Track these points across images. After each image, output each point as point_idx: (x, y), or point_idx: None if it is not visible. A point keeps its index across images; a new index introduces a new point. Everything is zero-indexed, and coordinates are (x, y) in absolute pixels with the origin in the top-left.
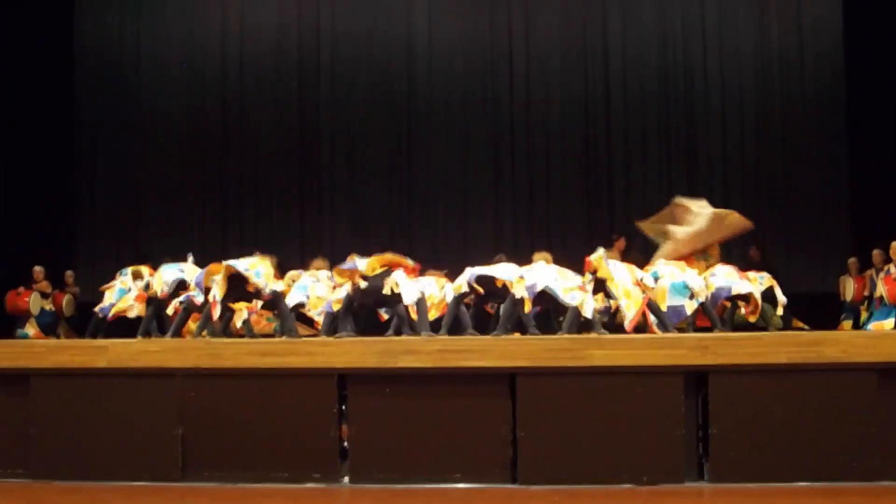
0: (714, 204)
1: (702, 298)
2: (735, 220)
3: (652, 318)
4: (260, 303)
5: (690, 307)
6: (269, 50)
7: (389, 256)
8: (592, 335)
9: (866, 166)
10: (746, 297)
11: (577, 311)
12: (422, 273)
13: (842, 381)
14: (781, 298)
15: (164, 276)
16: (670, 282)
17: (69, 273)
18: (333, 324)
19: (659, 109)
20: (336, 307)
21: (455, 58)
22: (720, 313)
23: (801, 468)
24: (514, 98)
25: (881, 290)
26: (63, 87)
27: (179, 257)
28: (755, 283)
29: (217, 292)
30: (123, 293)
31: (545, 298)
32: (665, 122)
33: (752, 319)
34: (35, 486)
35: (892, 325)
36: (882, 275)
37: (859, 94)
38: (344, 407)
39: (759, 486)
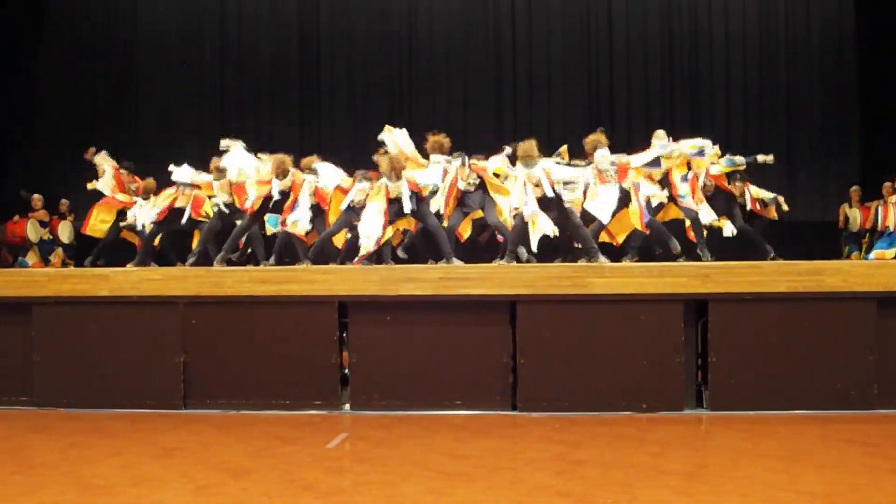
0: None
1: None
2: None
3: None
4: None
5: None
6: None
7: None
8: (593, 263)
9: (875, 95)
10: None
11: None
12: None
13: (841, 309)
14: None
15: None
16: None
17: (63, 201)
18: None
19: (661, 40)
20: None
21: None
22: None
23: (800, 396)
24: (515, 32)
25: (890, 218)
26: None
27: None
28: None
29: None
30: None
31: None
32: (668, 52)
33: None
34: (39, 414)
35: (894, 255)
36: (893, 200)
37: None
38: (345, 334)
39: (757, 413)
